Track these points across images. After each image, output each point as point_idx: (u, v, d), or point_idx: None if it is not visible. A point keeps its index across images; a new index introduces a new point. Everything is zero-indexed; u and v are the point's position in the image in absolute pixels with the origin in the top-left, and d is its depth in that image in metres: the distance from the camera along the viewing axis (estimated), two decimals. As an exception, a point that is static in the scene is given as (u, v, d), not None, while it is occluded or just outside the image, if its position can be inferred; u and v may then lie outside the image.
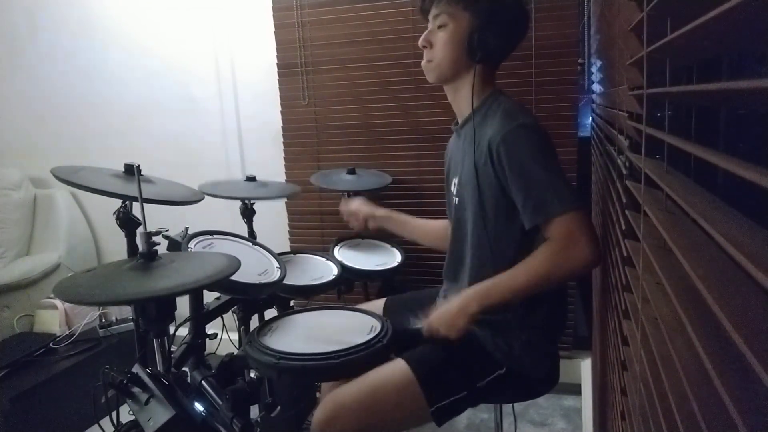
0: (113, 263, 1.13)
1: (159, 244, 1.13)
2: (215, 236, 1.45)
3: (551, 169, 1.05)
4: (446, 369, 1.14)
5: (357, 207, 1.59)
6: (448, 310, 1.10)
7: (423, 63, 1.21)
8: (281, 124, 2.32)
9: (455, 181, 1.27)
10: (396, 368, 1.12)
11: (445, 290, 1.34)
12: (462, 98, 1.20)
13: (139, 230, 1.11)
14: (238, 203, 1.89)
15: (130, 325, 2.13)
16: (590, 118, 2.09)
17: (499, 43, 1.13)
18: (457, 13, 1.12)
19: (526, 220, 1.07)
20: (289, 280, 1.45)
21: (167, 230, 1.29)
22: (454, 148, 1.32)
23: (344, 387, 1.10)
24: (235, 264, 1.08)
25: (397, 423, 1.15)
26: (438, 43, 1.16)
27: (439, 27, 1.15)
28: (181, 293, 0.99)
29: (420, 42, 1.19)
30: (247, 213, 1.87)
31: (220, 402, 1.24)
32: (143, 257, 1.07)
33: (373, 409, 1.09)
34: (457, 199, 1.26)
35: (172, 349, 1.29)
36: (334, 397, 1.10)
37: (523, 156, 1.05)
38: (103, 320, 2.24)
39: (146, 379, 1.11)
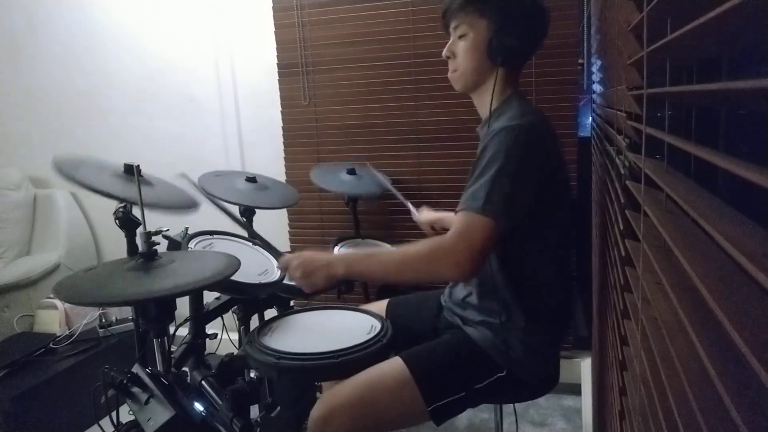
0: (113, 262, 1.13)
1: (159, 243, 1.13)
2: (215, 236, 1.45)
3: (509, 176, 1.01)
4: (444, 369, 1.14)
5: (426, 219, 1.65)
6: (312, 261, 1.10)
7: (449, 74, 1.23)
8: (281, 124, 2.32)
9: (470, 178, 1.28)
10: (393, 366, 1.12)
11: (450, 288, 1.34)
12: (485, 102, 1.21)
13: (139, 230, 1.11)
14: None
15: (130, 325, 2.13)
16: (590, 118, 2.09)
17: (518, 44, 1.14)
18: (475, 22, 1.14)
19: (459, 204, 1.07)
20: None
21: (167, 230, 1.29)
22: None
23: (341, 384, 1.10)
24: (235, 264, 1.08)
25: (394, 421, 1.15)
26: (460, 52, 1.18)
27: (460, 37, 1.17)
28: (181, 294, 0.99)
29: (444, 53, 1.21)
30: (247, 213, 1.87)
31: (220, 402, 1.24)
32: (143, 257, 1.07)
33: (370, 406, 1.09)
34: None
35: (172, 349, 1.29)
36: (331, 394, 1.10)
37: (497, 152, 1.03)
38: (103, 320, 2.24)
39: (146, 379, 1.11)
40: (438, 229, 1.64)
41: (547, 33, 1.18)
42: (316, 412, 1.10)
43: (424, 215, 1.67)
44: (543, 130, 1.11)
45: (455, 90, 1.24)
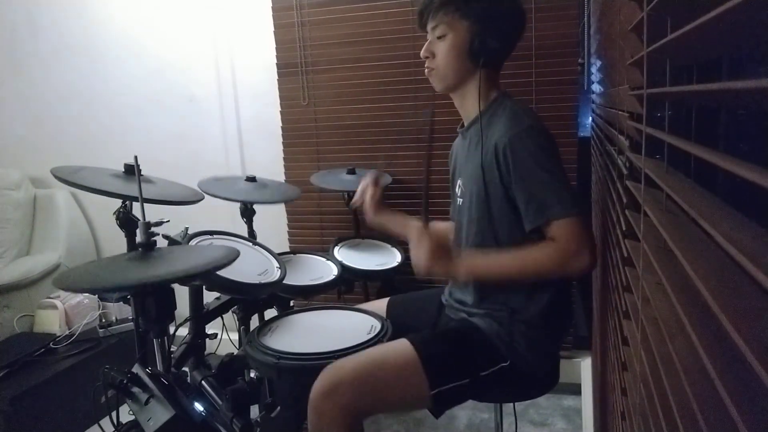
0: (112, 256, 1.13)
1: (158, 234, 1.13)
2: (215, 236, 1.45)
3: (555, 173, 1.06)
4: (450, 354, 1.14)
5: (368, 198, 1.41)
6: (443, 253, 1.12)
7: (426, 72, 1.22)
8: (281, 124, 2.32)
9: (459, 182, 1.27)
10: (400, 347, 1.11)
11: (450, 287, 1.33)
12: (469, 103, 1.21)
13: (139, 222, 1.11)
14: (238, 203, 1.89)
15: (130, 325, 2.13)
16: (590, 118, 2.09)
17: (500, 45, 1.14)
18: (455, 23, 1.13)
19: (527, 221, 1.08)
20: (289, 280, 1.45)
21: (168, 221, 1.28)
22: (459, 150, 1.32)
23: (346, 360, 1.08)
24: (233, 254, 1.07)
25: (396, 401, 1.15)
26: (440, 53, 1.17)
27: (439, 38, 1.16)
28: (181, 279, 0.99)
29: (422, 53, 1.20)
30: (247, 213, 1.87)
31: (220, 402, 1.24)
32: (142, 247, 1.07)
33: (374, 385, 1.07)
34: (460, 200, 1.26)
35: (172, 349, 1.29)
36: (335, 369, 1.07)
37: (528, 158, 1.06)
38: (103, 320, 2.24)
39: (146, 379, 1.11)
40: (369, 221, 1.42)
41: (523, 33, 1.19)
42: (318, 385, 1.06)
43: (369, 195, 1.40)
44: (546, 128, 1.14)
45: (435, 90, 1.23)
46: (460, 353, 1.15)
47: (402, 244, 1.92)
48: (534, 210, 1.06)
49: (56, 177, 1.30)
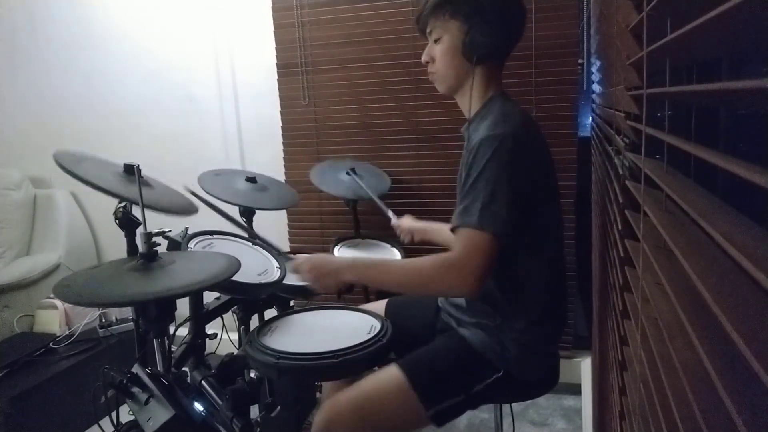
0: (113, 262, 1.12)
1: (159, 244, 1.13)
2: (215, 236, 1.45)
3: (498, 188, 1.02)
4: (441, 374, 1.14)
5: (408, 226, 1.64)
6: (324, 265, 1.13)
7: (430, 77, 1.23)
8: (281, 124, 2.32)
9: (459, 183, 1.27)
10: (389, 374, 1.12)
11: None
12: (466, 102, 1.20)
13: (140, 230, 1.11)
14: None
15: (130, 325, 2.13)
16: (590, 118, 2.09)
17: (492, 39, 1.11)
18: (447, 24, 1.13)
19: (452, 220, 1.07)
20: (289, 280, 1.45)
21: (169, 231, 1.28)
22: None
23: (341, 393, 1.11)
24: (235, 264, 1.08)
25: (395, 427, 1.16)
26: (438, 56, 1.17)
27: (436, 41, 1.17)
28: (182, 295, 0.99)
29: (423, 58, 1.21)
30: (247, 213, 1.87)
31: (220, 402, 1.24)
32: (143, 257, 1.07)
33: (370, 415, 1.10)
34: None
35: (172, 349, 1.29)
36: (332, 403, 1.11)
37: (482, 163, 1.03)
38: (103, 320, 2.24)
39: (146, 379, 1.11)
40: (417, 241, 1.63)
41: (523, 25, 1.16)
42: (318, 419, 1.11)
43: (406, 223, 1.65)
44: (525, 135, 1.07)
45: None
46: (451, 371, 1.14)
47: (402, 244, 1.92)
48: (459, 212, 1.04)
49: (58, 163, 1.24)
